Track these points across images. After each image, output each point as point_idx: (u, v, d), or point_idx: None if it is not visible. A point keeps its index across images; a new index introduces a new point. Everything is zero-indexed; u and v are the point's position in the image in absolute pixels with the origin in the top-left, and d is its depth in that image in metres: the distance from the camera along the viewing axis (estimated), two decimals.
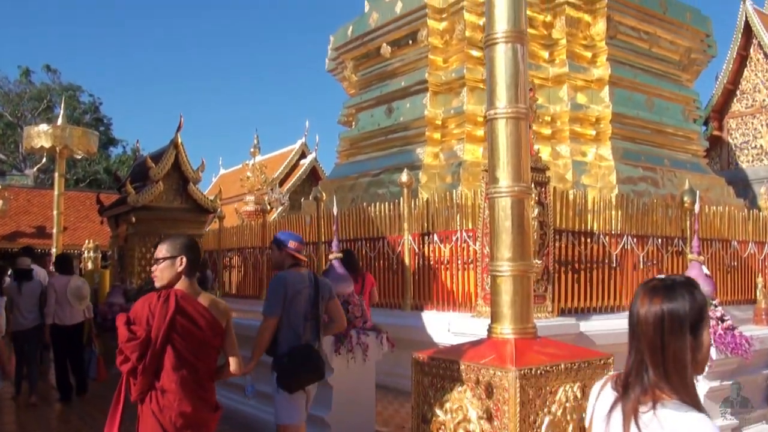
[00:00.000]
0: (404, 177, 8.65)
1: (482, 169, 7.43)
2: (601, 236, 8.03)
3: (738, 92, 22.43)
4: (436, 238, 8.31)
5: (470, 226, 7.90)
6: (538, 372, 4.27)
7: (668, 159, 13.55)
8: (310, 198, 18.62)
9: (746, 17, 21.66)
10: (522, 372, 4.18)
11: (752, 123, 22.20)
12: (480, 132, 13.27)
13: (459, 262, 8.01)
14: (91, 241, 17.29)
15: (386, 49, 14.63)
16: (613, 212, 8.20)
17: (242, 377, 4.47)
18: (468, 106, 13.14)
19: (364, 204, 10.07)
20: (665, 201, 9.15)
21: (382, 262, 9.14)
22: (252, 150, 17.86)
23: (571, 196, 7.93)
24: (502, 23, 4.87)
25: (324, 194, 10.90)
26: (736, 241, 9.83)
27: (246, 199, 17.25)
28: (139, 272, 11.44)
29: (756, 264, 10.05)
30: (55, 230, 14.60)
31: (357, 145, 15.50)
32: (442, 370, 4.57)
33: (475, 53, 13.47)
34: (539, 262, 6.88)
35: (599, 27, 13.10)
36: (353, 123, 15.98)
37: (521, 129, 4.85)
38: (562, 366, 4.43)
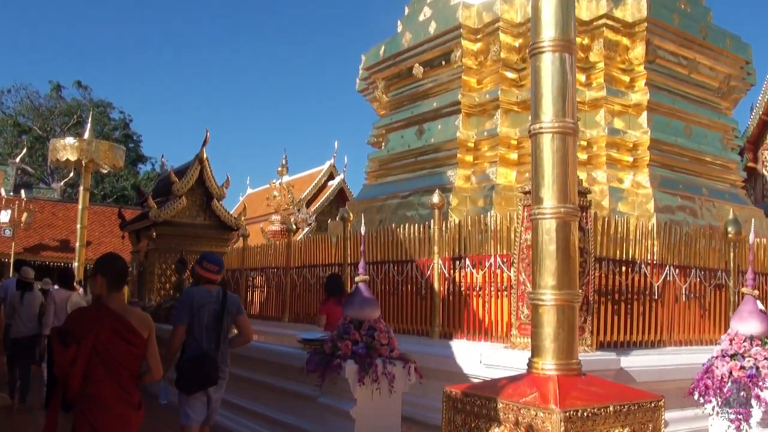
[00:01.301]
0: (435, 198, 8.28)
1: (519, 191, 7.05)
2: (643, 266, 7.57)
3: None
4: (468, 262, 7.90)
5: (505, 251, 7.49)
6: (585, 414, 3.86)
7: (706, 188, 13.05)
8: (337, 218, 18.36)
9: None
10: (567, 414, 3.76)
11: None
12: (514, 155, 12.90)
13: (492, 288, 7.59)
14: None
15: (418, 70, 14.33)
16: (655, 241, 7.75)
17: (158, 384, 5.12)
18: (502, 128, 12.78)
19: (393, 225, 9.69)
20: (705, 232, 8.65)
21: (409, 286, 8.74)
22: (279, 169, 17.64)
23: (612, 223, 7.50)
24: (549, 30, 4.52)
25: (352, 215, 10.54)
26: None
27: (272, 218, 16.97)
28: (158, 289, 11.16)
29: None
30: (77, 244, 14.39)
31: (386, 166, 15.17)
32: (477, 407, 4.16)
33: (510, 75, 13.14)
34: (579, 291, 6.43)
35: (638, 51, 12.69)
36: (383, 144, 15.67)
37: (569, 145, 4.48)
38: (611, 408, 4.01)
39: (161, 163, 13.69)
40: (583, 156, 12.40)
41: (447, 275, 8.18)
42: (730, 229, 8.40)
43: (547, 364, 4.25)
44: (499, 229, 7.66)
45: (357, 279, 5.60)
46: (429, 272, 8.36)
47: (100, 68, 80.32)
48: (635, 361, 6.97)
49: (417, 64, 14.34)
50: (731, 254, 8.39)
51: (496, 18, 12.85)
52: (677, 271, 7.87)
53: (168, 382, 6.11)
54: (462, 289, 7.99)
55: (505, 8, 12.86)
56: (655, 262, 7.71)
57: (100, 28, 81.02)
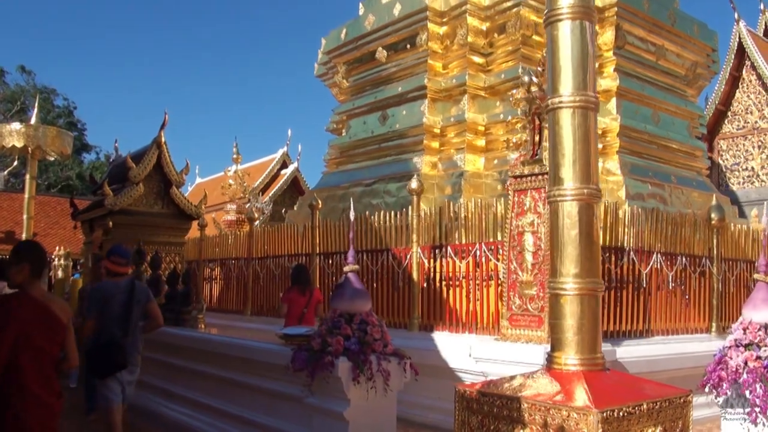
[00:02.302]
0: (414, 184, 7.88)
1: (510, 175, 6.69)
2: (632, 253, 7.31)
3: (729, 113, 22.06)
4: (450, 251, 7.53)
5: (491, 239, 7.13)
6: (621, 414, 3.52)
7: (674, 176, 12.97)
8: (295, 207, 17.80)
9: (740, 38, 21.34)
10: (604, 414, 3.41)
11: (743, 145, 21.83)
12: (481, 142, 12.61)
13: (477, 278, 7.22)
14: (62, 248, 16.21)
15: (382, 54, 13.90)
16: (644, 227, 7.50)
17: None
18: (469, 114, 12.47)
19: (366, 213, 9.25)
20: (690, 218, 8.46)
21: (385, 276, 8.33)
22: (234, 156, 17.01)
23: (602, 207, 7.21)
24: None
25: (320, 202, 10.08)
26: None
27: (227, 207, 16.33)
28: None
29: None
30: (24, 236, 13.53)
31: (348, 153, 14.73)
32: (498, 408, 3.79)
33: (477, 59, 12.83)
34: None
35: (607, 36, 12.49)
36: (344, 130, 15.21)
37: (590, 121, 4.12)
38: (645, 406, 3.68)
39: (114, 148, 12.92)
40: None
41: (427, 264, 7.79)
42: (713, 215, 8.23)
43: (570, 359, 3.90)
44: (485, 216, 7.30)
45: (346, 269, 5.16)
46: (407, 261, 7.96)
47: (44, 52, 77.22)
48: (628, 352, 6.71)
49: (380, 48, 13.90)
50: (714, 241, 8.20)
51: (463, 1, 12.51)
52: (664, 258, 7.64)
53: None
54: (443, 279, 7.61)
55: None
56: (643, 249, 7.46)
57: (45, 10, 77.97)
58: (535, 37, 12.44)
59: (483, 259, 7.15)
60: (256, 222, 17.89)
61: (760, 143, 21.37)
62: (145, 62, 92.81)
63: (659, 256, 7.59)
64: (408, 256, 7.94)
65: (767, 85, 20.72)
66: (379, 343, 5.05)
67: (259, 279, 10.83)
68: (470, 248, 7.22)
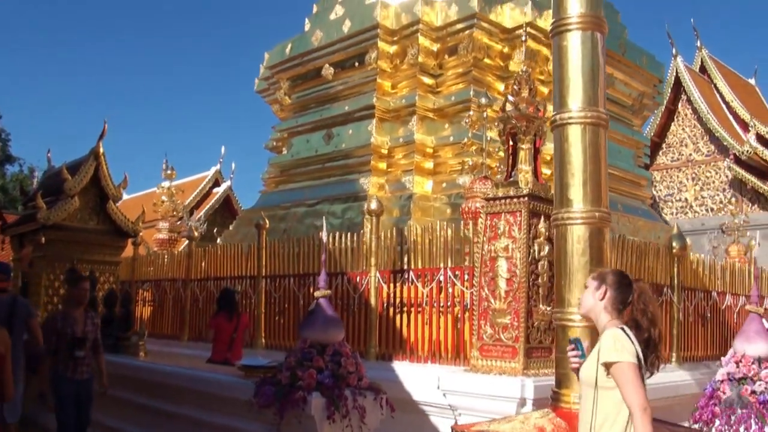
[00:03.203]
0: (373, 204, 7.46)
1: (482, 197, 6.36)
2: None
3: (664, 145, 22.56)
4: (412, 276, 7.13)
5: (453, 264, 6.78)
6: None
7: (621, 204, 12.98)
8: (230, 227, 17.11)
9: (677, 73, 21.89)
10: None
11: (677, 176, 22.32)
12: (429, 164, 12.33)
13: (442, 305, 6.84)
14: None
15: (328, 71, 13.51)
16: (612, 255, 7.28)
17: None
18: (418, 135, 12.18)
19: (322, 234, 8.76)
20: (653, 246, 8.34)
21: (339, 301, 7.84)
22: (168, 172, 16.24)
23: None
24: (576, 5, 3.86)
25: (267, 222, 9.55)
26: (715, 291, 9.16)
27: (159, 225, 15.53)
28: (45, 303, 9.60)
29: (732, 317, 9.40)
30: None
31: (289, 172, 14.23)
32: None
33: (427, 80, 12.58)
34: (549, 308, 5.81)
35: None
36: (285, 148, 14.71)
37: (602, 139, 3.82)
38: None
39: (47, 158, 11.99)
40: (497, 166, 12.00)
41: (385, 289, 7.37)
42: (675, 244, 8.10)
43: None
44: (449, 239, 6.95)
45: (318, 294, 4.70)
46: (364, 286, 7.52)
47: None
48: None
49: (327, 65, 13.50)
50: (675, 270, 8.08)
51: (415, 20, 12.26)
52: None
53: None
54: (404, 305, 7.20)
55: (426, 10, 12.30)
56: None
57: None
58: (487, 60, 12.29)
59: (447, 285, 6.78)
60: (185, 242, 17.14)
61: (693, 175, 21.89)
62: (77, 74, 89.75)
63: None
64: (365, 281, 7.50)
65: (702, 119, 21.27)
66: (353, 376, 4.61)
67: (197, 302, 10.18)
68: (434, 273, 6.84)
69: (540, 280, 5.83)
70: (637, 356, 3.01)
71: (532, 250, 5.77)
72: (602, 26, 3.88)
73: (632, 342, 3.02)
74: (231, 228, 15.95)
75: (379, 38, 12.53)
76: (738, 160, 20.91)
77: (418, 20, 12.18)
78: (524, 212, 5.79)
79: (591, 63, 3.80)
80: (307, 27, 14.76)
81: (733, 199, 18.03)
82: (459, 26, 12.13)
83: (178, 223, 16.70)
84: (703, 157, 21.93)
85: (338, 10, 14.08)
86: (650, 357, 3.16)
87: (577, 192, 3.70)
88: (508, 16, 12.26)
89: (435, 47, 12.59)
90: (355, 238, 7.84)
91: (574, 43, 3.84)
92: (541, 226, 5.90)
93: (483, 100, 9.64)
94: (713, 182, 21.51)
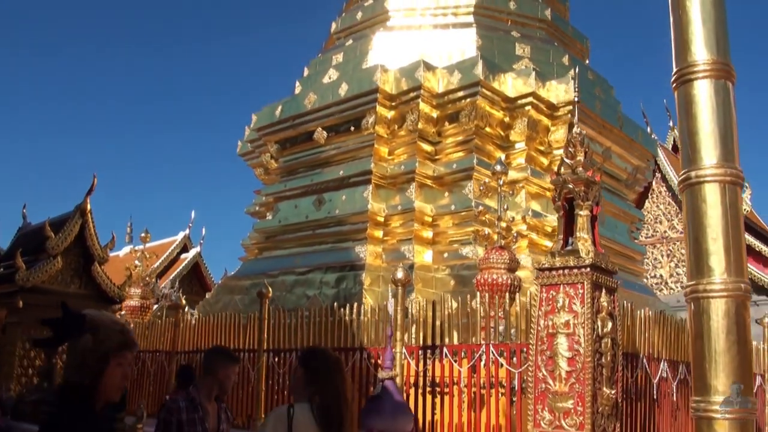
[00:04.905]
0: (399, 274, 6.89)
1: (537, 268, 5.86)
2: (644, 360, 6.58)
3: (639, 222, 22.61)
4: (446, 352, 6.52)
5: (497, 341, 6.21)
6: None
7: (619, 279, 12.62)
8: (207, 295, 16.22)
9: None
10: None
11: (652, 253, 22.25)
12: (428, 233, 11.88)
13: (482, 383, 6.24)
14: None
15: (321, 134, 13.09)
16: (654, 332, 6.82)
17: None
18: (417, 202, 11.75)
19: (335, 305, 8.13)
20: (684, 323, 7.90)
21: (356, 380, 7.16)
22: (143, 235, 15.40)
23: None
24: (703, 51, 3.45)
25: (270, 290, 8.88)
26: None
27: (130, 292, 14.61)
28: (19, 375, 8.59)
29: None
30: None
31: (275, 238, 13.62)
32: None
33: (426, 147, 12.24)
34: (613, 392, 5.27)
35: (560, 134, 12.25)
36: (269, 214, 14.13)
37: (740, 200, 3.36)
38: None
39: (23, 214, 11.12)
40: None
41: (414, 367, 6.75)
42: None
43: None
44: (485, 313, 6.40)
45: (383, 375, 4.08)
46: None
47: None
48: None
49: (320, 128, 13.09)
50: None
51: (416, 85, 11.97)
52: (669, 366, 6.96)
53: None
54: (437, 385, 6.57)
55: (428, 76, 12.04)
56: (654, 356, 6.75)
57: None
58: (488, 129, 12.03)
59: (488, 363, 6.19)
60: (153, 309, 16.20)
61: (668, 252, 21.85)
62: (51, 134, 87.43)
63: (665, 363, 6.91)
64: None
65: (677, 196, 21.36)
66: None
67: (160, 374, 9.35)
68: (474, 350, 6.26)
69: (603, 360, 5.30)
70: None
71: (596, 326, 5.26)
72: (733, 76, 3.47)
73: None
74: (209, 296, 15.12)
75: (378, 103, 12.20)
76: None
77: (420, 86, 11.89)
78: (587, 284, 5.31)
79: (726, 114, 3.38)
80: (297, 90, 14.41)
81: None
82: (461, 93, 11.87)
83: (172, 293, 15.83)
84: (678, 234, 21.95)
85: (332, 74, 13.79)
86: None
87: (719, 260, 3.22)
88: (510, 85, 12.06)
89: (435, 114, 12.30)
90: (377, 311, 7.23)
91: (702, 92, 3.41)
92: (603, 299, 5.41)
93: (498, 168, 9.24)
94: None
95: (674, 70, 3.56)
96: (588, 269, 5.35)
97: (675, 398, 7.05)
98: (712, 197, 3.30)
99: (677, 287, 22.06)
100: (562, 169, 5.75)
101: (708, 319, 3.21)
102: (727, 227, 3.25)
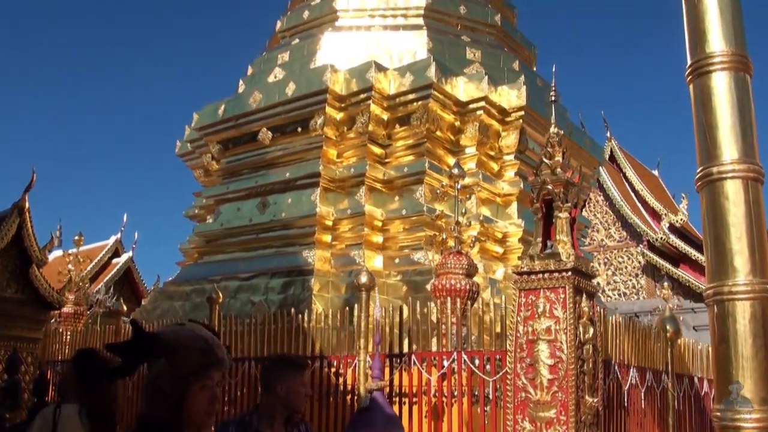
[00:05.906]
0: (364, 278, 6.58)
1: (514, 272, 5.64)
2: (615, 367, 6.45)
3: None
4: (414, 359, 6.24)
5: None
6: None
7: None
8: (143, 301, 15.54)
9: None
10: None
11: None
12: (378, 238, 11.60)
13: (451, 392, 5.98)
14: None
15: (266, 135, 12.67)
16: (625, 338, 6.71)
17: None
18: (367, 206, 11.46)
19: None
20: (649, 329, 7.85)
21: (314, 389, 6.81)
22: (76, 238, 14.66)
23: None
24: (719, 42, 3.30)
25: (220, 296, 8.46)
26: (696, 377, 8.77)
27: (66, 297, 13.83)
28: None
29: (709, 404, 8.99)
30: None
31: (217, 242, 13.12)
32: None
33: (376, 150, 11.97)
34: (595, 400, 5.10)
35: (511, 139, 12.21)
36: (210, 217, 13.61)
37: (761, 197, 3.20)
38: None
39: None
40: (450, 242, 11.41)
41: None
42: (668, 327, 7.63)
43: None
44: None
45: (372, 386, 3.78)
46: (351, 372, 6.57)
47: None
48: None
49: (265, 128, 12.66)
50: (669, 355, 7.59)
51: (367, 86, 11.69)
52: (638, 373, 6.86)
53: None
54: (402, 393, 6.29)
55: (379, 77, 11.78)
56: (623, 362, 6.64)
57: None
58: (438, 133, 11.85)
59: (460, 371, 5.94)
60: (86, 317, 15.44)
61: (606, 260, 22.15)
62: None
63: (634, 370, 6.81)
64: (352, 365, 6.55)
65: (614, 206, 21.75)
66: None
67: (127, 389, 8.80)
68: (445, 358, 5.99)
69: (585, 367, 5.12)
70: None
71: (578, 332, 5.07)
72: (751, 69, 3.32)
73: None
74: (146, 302, 14.46)
75: (327, 103, 11.86)
76: (651, 247, 21.42)
77: (371, 87, 11.62)
78: (569, 288, 5.12)
79: (745, 108, 3.22)
80: (241, 88, 13.94)
81: (666, 284, 18.32)
82: (413, 95, 11.65)
83: (108, 299, 15.08)
84: (615, 242, 22.32)
85: (278, 73, 13.40)
86: None
87: (743, 261, 3.05)
88: (462, 89, 11.92)
89: (386, 116, 12.04)
90: (339, 317, 6.91)
91: (720, 85, 3.26)
92: (584, 304, 5.24)
93: (456, 171, 9.05)
94: (625, 267, 21.92)
95: (689, 62, 3.39)
96: (569, 273, 5.17)
97: (643, 405, 6.95)
98: (735, 194, 3.13)
99: (614, 295, 22.45)
100: (542, 170, 5.56)
101: (734, 322, 3.04)
102: (752, 226, 3.09)
